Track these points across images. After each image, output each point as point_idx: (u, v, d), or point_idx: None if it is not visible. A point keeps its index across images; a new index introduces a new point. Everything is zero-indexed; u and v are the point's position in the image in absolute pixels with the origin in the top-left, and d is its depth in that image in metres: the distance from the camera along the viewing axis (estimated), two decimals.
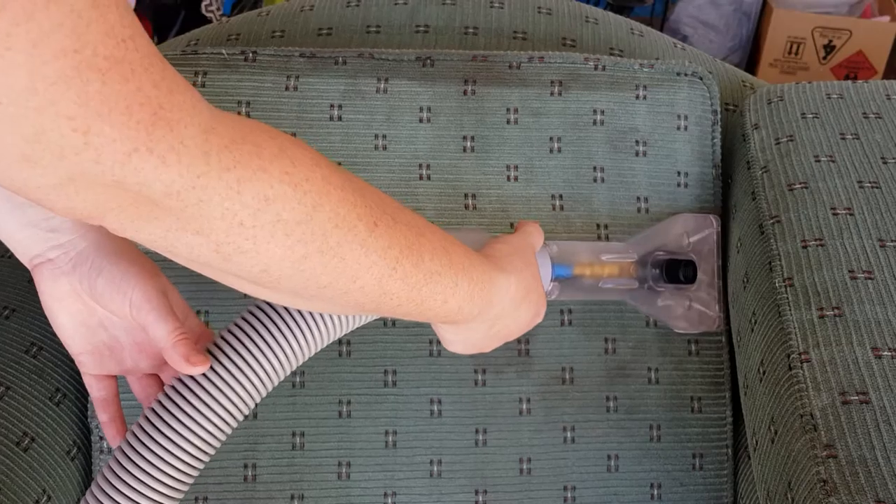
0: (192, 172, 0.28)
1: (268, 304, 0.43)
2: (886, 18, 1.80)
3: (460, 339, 0.47)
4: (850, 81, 0.74)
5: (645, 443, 0.68)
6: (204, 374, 0.41)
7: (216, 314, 0.66)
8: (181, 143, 0.28)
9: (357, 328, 0.46)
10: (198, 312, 0.66)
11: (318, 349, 0.44)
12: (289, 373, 0.44)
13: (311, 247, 0.33)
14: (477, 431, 0.67)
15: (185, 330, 0.42)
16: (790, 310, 0.55)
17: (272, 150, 0.31)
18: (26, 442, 0.61)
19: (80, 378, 0.67)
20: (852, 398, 0.49)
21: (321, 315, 0.43)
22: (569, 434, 0.68)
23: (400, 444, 0.66)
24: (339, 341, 0.67)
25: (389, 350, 0.67)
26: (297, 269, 0.33)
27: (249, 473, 0.65)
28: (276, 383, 0.43)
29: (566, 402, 0.68)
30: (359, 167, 0.68)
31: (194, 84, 0.67)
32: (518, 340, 0.68)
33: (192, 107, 0.28)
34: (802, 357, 0.52)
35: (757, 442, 0.56)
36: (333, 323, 0.43)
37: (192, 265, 0.33)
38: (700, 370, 0.69)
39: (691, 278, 0.64)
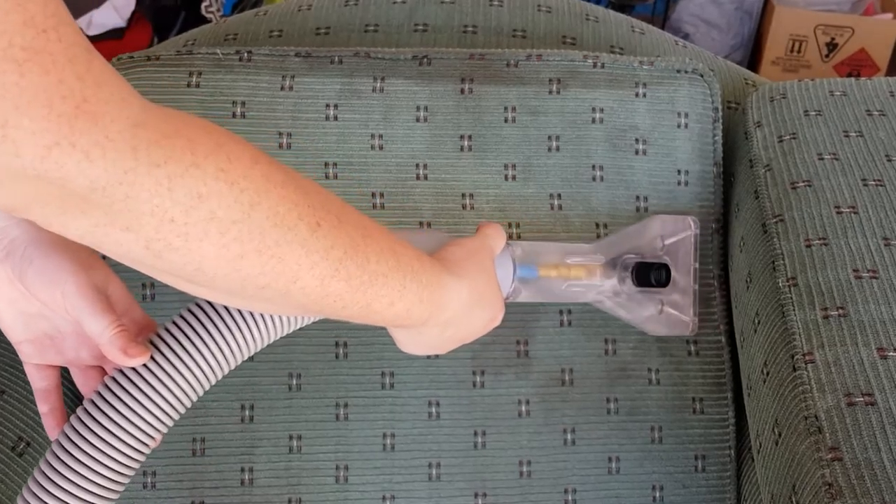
0: (119, 168, 0.27)
1: None
2: (889, 16, 1.79)
3: (413, 342, 0.46)
4: (853, 78, 0.73)
5: (646, 444, 0.67)
6: (144, 365, 0.40)
7: None
8: (106, 138, 0.27)
9: (310, 323, 0.45)
10: None
11: (268, 342, 0.43)
12: (235, 365, 0.43)
13: (247, 246, 0.32)
14: (476, 434, 0.66)
15: (122, 323, 0.41)
16: (794, 310, 0.54)
17: (207, 146, 0.30)
18: (21, 447, 0.60)
19: (76, 384, 0.67)
20: (857, 399, 0.48)
21: None
22: (569, 436, 0.67)
23: (398, 446, 0.66)
24: (336, 343, 0.66)
25: (387, 352, 0.66)
26: (232, 269, 0.32)
27: (246, 477, 0.65)
28: (220, 375, 0.42)
29: (566, 404, 0.67)
30: (355, 167, 0.67)
31: (188, 85, 0.66)
32: (517, 341, 0.67)
33: (121, 100, 0.27)
34: (807, 358, 0.51)
35: (761, 444, 0.56)
36: (281, 316, 0.42)
37: (125, 261, 0.32)
38: (701, 371, 0.69)
39: (664, 282, 0.63)
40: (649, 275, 0.63)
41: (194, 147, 0.30)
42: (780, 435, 0.51)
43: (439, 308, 0.43)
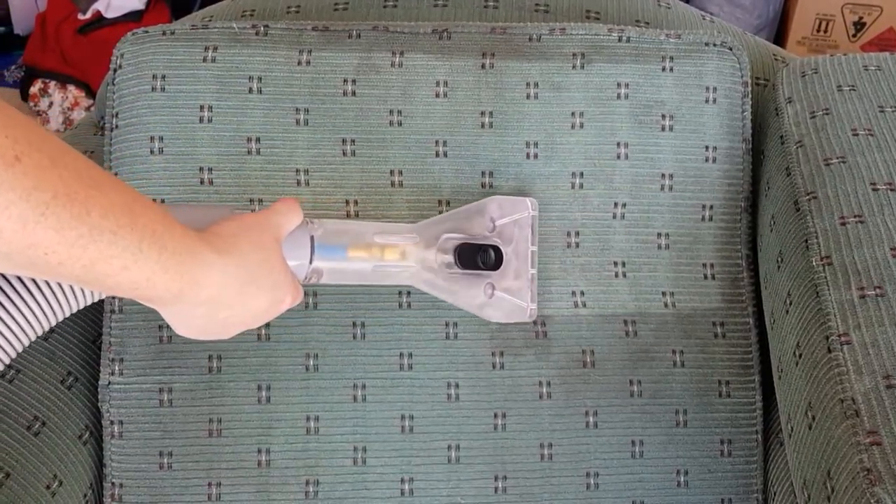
0: None
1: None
2: None
3: (180, 322, 0.44)
4: (888, 53, 0.71)
5: (670, 428, 0.66)
6: None
7: None
8: None
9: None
10: None
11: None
12: None
13: None
14: (496, 416, 0.65)
15: None
16: (828, 289, 0.52)
17: None
18: (37, 426, 0.59)
19: (92, 361, 0.66)
20: None
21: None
22: (591, 419, 0.65)
23: (417, 428, 0.65)
24: (353, 323, 0.65)
25: (405, 332, 0.65)
26: None
27: (263, 458, 0.64)
28: None
29: (587, 387, 0.66)
30: (373, 144, 0.66)
31: (204, 60, 0.65)
32: (535, 322, 0.65)
33: None
34: (842, 339, 0.49)
35: (792, 428, 0.54)
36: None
37: None
38: (727, 353, 0.67)
39: (492, 264, 0.60)
40: (474, 256, 0.60)
41: None
42: (813, 419, 0.50)
43: (194, 283, 0.40)
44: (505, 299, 0.61)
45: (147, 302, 0.41)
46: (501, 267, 0.61)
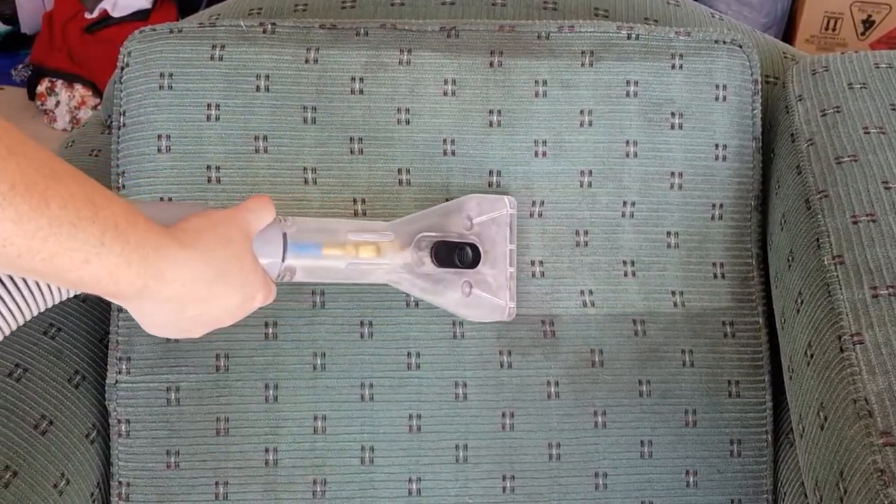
0: None
1: None
2: None
3: (149, 321, 0.43)
4: None
5: (680, 428, 0.65)
6: None
7: None
8: None
9: None
10: None
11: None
12: None
13: None
14: (504, 415, 0.65)
15: None
16: (840, 289, 0.52)
17: None
18: (44, 425, 0.59)
19: (99, 360, 0.66)
20: None
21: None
22: (599, 419, 0.65)
23: (424, 428, 0.64)
24: (361, 322, 0.65)
25: (412, 332, 0.65)
26: None
27: (270, 458, 0.64)
28: None
29: (596, 386, 0.65)
30: (381, 142, 0.65)
31: (211, 58, 0.65)
32: (542, 321, 0.65)
33: None
34: (855, 339, 0.48)
35: (804, 428, 0.53)
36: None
37: None
38: (737, 353, 0.66)
39: (469, 262, 0.59)
40: (451, 254, 0.59)
41: None
42: (825, 419, 0.49)
43: (159, 279, 0.39)
44: (483, 298, 0.61)
45: (112, 297, 0.41)
46: (479, 265, 0.60)
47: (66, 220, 0.34)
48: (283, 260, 0.51)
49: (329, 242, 0.55)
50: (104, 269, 0.36)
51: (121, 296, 0.40)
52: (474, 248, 0.60)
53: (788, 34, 1.82)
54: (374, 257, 0.57)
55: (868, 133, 0.61)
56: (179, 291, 0.41)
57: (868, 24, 1.74)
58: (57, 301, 0.43)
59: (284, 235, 0.51)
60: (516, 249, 0.62)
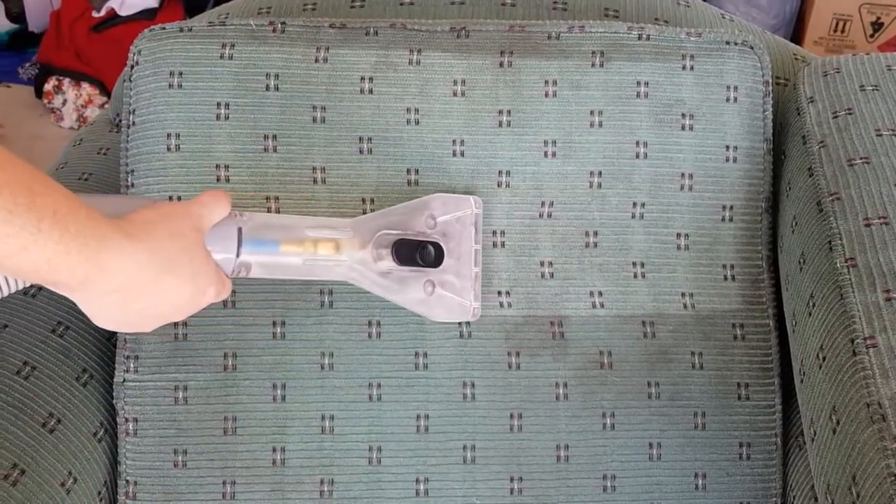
0: None
1: None
2: None
3: (96, 313, 0.43)
4: None
5: (689, 431, 0.65)
6: None
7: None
8: None
9: None
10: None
11: None
12: None
13: None
14: (512, 416, 0.65)
15: None
16: (853, 292, 0.51)
17: None
18: (52, 423, 0.59)
19: (107, 358, 0.66)
20: None
21: None
22: (608, 420, 0.65)
23: (432, 428, 0.64)
24: (369, 322, 0.64)
25: (420, 331, 0.64)
26: None
27: (278, 457, 0.64)
28: None
29: (605, 388, 0.65)
30: (390, 142, 0.65)
31: (221, 57, 0.65)
32: (551, 322, 0.65)
33: None
34: (868, 342, 0.48)
35: (815, 432, 0.53)
36: None
37: None
38: (747, 355, 0.66)
39: (431, 261, 0.59)
40: (413, 253, 0.58)
41: None
42: (838, 423, 0.49)
43: (101, 269, 0.39)
44: (446, 297, 0.60)
45: (55, 287, 0.40)
46: (442, 264, 0.60)
47: (2, 206, 0.34)
48: (237, 255, 0.51)
49: (287, 239, 0.55)
50: (42, 257, 0.36)
51: (63, 285, 0.39)
52: (437, 247, 0.60)
53: (796, 36, 1.82)
54: (333, 254, 0.57)
55: (880, 135, 0.61)
56: (125, 284, 0.41)
57: (877, 26, 1.73)
58: (6, 293, 0.43)
59: (239, 230, 0.51)
60: (482, 250, 0.62)
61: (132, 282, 0.41)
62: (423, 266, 0.59)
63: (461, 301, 0.61)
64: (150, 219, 0.43)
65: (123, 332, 0.44)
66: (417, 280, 0.60)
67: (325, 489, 0.64)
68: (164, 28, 0.67)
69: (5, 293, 0.43)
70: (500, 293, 0.66)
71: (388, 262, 0.59)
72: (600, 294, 0.66)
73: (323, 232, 0.57)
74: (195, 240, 0.45)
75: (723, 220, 0.67)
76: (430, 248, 0.59)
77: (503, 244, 0.66)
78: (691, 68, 0.67)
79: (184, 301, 0.45)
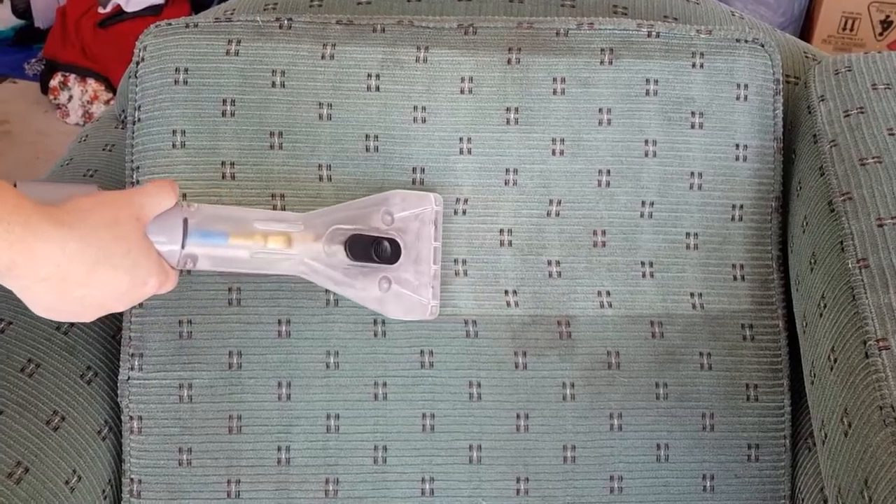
0: None
1: None
2: None
3: (33, 301, 0.43)
4: None
5: (697, 432, 0.64)
6: None
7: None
8: None
9: None
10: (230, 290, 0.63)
11: None
12: None
13: None
14: (518, 417, 0.64)
15: None
16: (865, 293, 0.51)
17: None
18: (56, 421, 0.59)
19: (112, 356, 0.66)
20: None
21: None
22: (615, 421, 0.64)
23: (438, 428, 0.64)
24: (374, 321, 0.64)
25: (425, 330, 0.64)
26: None
27: (283, 456, 0.63)
28: None
29: (612, 388, 0.65)
30: (396, 140, 0.65)
31: (227, 53, 0.64)
32: (558, 322, 0.64)
33: None
34: (881, 344, 0.47)
35: (826, 435, 0.52)
36: None
37: None
38: (756, 356, 0.66)
39: (386, 257, 0.58)
40: (367, 249, 0.58)
41: None
42: (849, 426, 0.48)
43: (29, 256, 0.38)
44: (403, 294, 0.60)
45: None
46: (399, 261, 0.59)
47: None
48: (182, 246, 0.51)
49: (236, 231, 0.54)
50: None
51: None
52: (394, 243, 0.59)
53: (805, 34, 1.81)
54: (283, 248, 0.57)
55: (893, 134, 0.60)
56: (55, 272, 0.40)
57: (886, 24, 1.72)
58: None
59: (185, 221, 0.51)
60: (441, 247, 0.62)
61: (63, 270, 0.41)
62: (378, 262, 0.59)
63: (419, 299, 0.60)
64: (84, 207, 0.42)
65: (62, 320, 0.44)
66: (373, 276, 0.59)
67: (331, 488, 0.63)
68: (170, 24, 0.66)
69: None
70: (507, 292, 0.65)
71: (341, 257, 0.58)
72: (608, 294, 0.65)
73: (273, 225, 0.57)
74: (133, 229, 0.45)
75: (732, 219, 0.66)
76: (387, 244, 0.59)
77: (510, 243, 0.66)
78: (701, 66, 0.66)
79: (122, 291, 0.45)
